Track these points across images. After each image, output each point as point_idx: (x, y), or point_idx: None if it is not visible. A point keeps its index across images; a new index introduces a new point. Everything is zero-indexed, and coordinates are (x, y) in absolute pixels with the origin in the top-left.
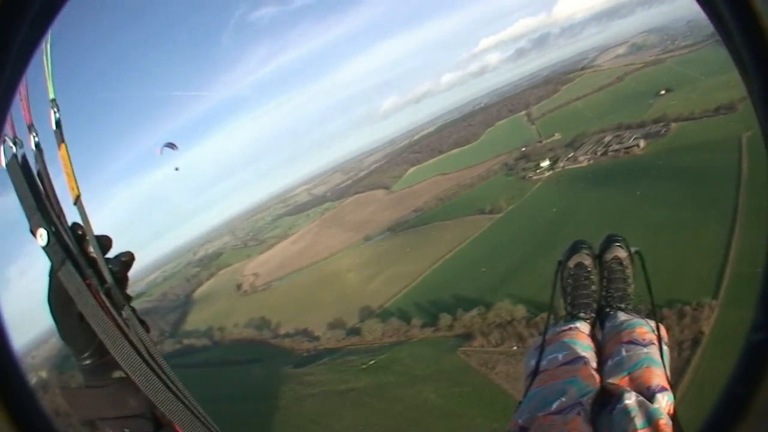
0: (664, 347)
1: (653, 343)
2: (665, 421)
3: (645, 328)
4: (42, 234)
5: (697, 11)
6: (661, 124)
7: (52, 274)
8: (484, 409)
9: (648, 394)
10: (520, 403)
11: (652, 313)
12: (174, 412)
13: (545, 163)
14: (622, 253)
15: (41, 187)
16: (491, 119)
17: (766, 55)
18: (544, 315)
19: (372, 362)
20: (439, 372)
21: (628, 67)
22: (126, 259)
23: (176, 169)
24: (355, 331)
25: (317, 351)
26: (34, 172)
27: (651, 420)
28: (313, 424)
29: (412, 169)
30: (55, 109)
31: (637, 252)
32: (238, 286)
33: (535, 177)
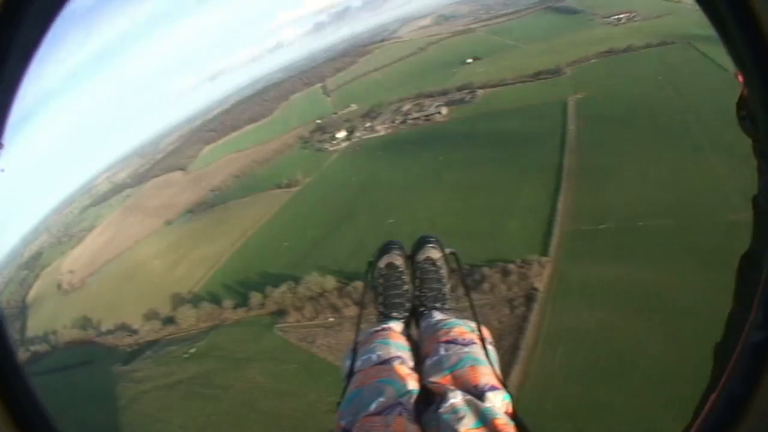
0: (489, 347)
1: (474, 343)
2: (503, 421)
3: (464, 328)
4: None
5: None
6: (466, 91)
7: None
8: (314, 384)
9: (476, 393)
10: (338, 404)
11: (472, 313)
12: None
13: (341, 134)
14: (435, 254)
15: None
16: (286, 93)
17: (766, 57)
18: (356, 284)
19: (193, 350)
20: (261, 352)
21: (433, 38)
22: None
23: (1, 170)
24: (170, 320)
25: (139, 345)
26: None
27: (485, 419)
28: (156, 422)
29: (207, 148)
30: None
31: (452, 253)
32: (59, 286)
33: (331, 148)
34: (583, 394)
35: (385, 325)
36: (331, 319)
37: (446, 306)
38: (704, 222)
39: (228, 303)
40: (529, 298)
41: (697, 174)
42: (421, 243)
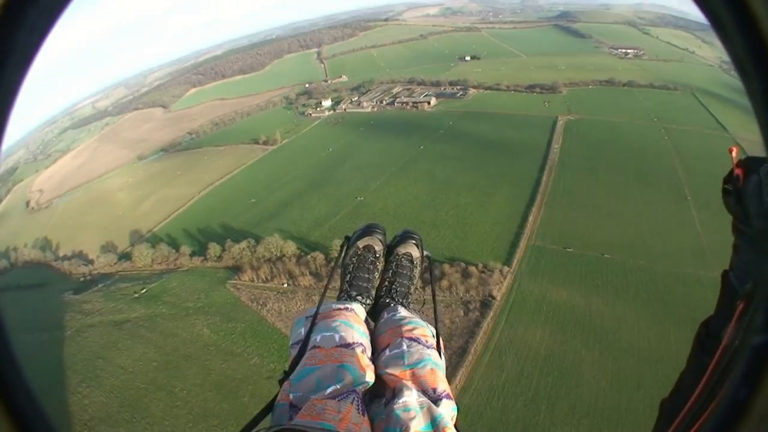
0: (442, 358)
1: (434, 348)
2: (450, 430)
3: (427, 332)
4: None
5: None
6: (459, 87)
7: None
8: (260, 348)
9: (433, 397)
10: (285, 372)
11: (434, 320)
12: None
13: (327, 103)
14: (415, 252)
15: None
16: (280, 52)
17: (766, 60)
18: (315, 254)
19: (144, 291)
20: (211, 305)
21: (436, 28)
22: None
23: None
24: (126, 256)
25: (92, 276)
26: None
27: (436, 425)
28: (97, 358)
29: (192, 90)
30: None
31: (427, 256)
32: (27, 203)
33: (314, 114)
34: (522, 409)
35: (348, 305)
36: (285, 285)
37: (411, 305)
38: (671, 270)
39: (185, 249)
40: (485, 304)
41: (675, 222)
42: (405, 237)
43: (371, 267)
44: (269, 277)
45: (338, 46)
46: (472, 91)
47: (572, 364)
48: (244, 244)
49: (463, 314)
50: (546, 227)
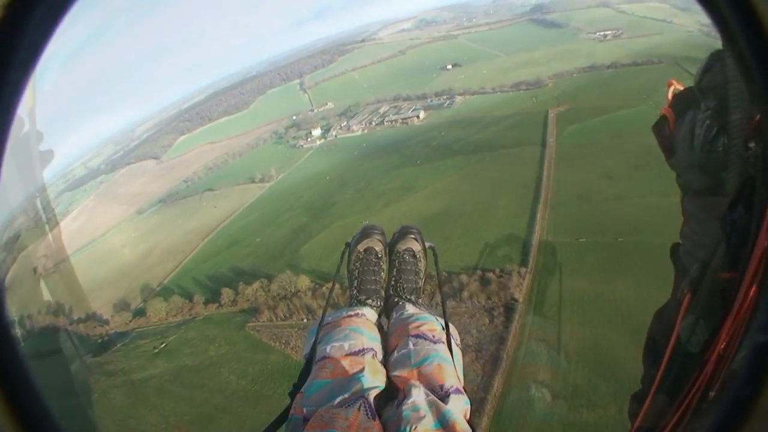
0: (456, 348)
1: (442, 342)
2: (462, 427)
3: (435, 325)
4: None
5: None
6: (445, 96)
7: None
8: (289, 387)
9: (441, 394)
10: (295, 385)
11: (443, 312)
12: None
13: (317, 132)
14: (416, 246)
15: None
16: (263, 87)
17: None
18: (329, 284)
19: (163, 345)
20: (233, 351)
21: (413, 42)
22: (46, 156)
23: None
24: (140, 312)
25: (109, 335)
26: None
27: (444, 421)
28: (128, 418)
29: (181, 138)
30: None
31: (431, 247)
32: (34, 270)
33: (306, 145)
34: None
35: (358, 311)
36: (305, 320)
37: (419, 300)
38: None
39: (199, 297)
40: (509, 308)
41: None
42: (403, 233)
43: (375, 268)
44: (287, 315)
45: (319, 74)
46: (458, 98)
47: (606, 353)
48: (257, 284)
49: (488, 322)
50: (555, 221)
